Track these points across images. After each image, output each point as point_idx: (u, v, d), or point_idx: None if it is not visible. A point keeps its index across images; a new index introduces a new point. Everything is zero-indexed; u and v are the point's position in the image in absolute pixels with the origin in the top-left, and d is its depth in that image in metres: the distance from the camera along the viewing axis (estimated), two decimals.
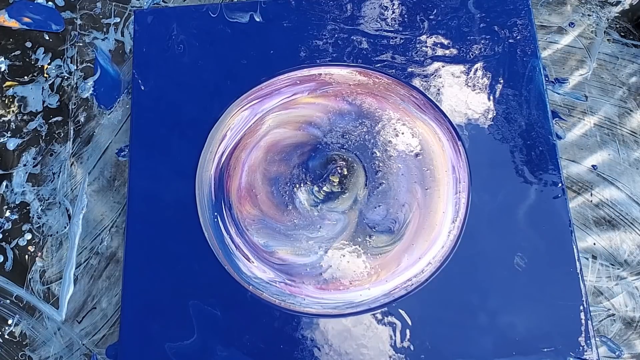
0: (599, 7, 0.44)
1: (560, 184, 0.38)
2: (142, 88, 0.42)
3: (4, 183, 0.43)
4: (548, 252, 0.37)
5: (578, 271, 0.36)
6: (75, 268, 0.41)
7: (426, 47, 0.42)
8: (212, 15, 0.44)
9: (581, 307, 0.36)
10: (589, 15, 0.44)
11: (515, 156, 0.39)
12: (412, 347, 0.36)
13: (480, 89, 0.41)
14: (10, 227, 0.42)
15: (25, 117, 0.45)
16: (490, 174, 0.39)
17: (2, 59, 0.46)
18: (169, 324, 0.37)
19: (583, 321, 0.35)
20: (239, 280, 0.38)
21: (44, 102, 0.45)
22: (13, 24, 0.47)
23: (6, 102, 0.45)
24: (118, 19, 0.46)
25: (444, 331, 0.36)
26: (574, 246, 0.37)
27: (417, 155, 0.40)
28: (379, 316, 0.37)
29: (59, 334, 0.40)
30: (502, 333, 0.35)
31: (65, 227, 0.42)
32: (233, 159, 0.40)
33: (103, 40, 0.46)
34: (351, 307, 0.37)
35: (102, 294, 0.40)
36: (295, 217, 0.39)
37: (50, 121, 0.44)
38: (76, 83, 0.45)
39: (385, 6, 0.43)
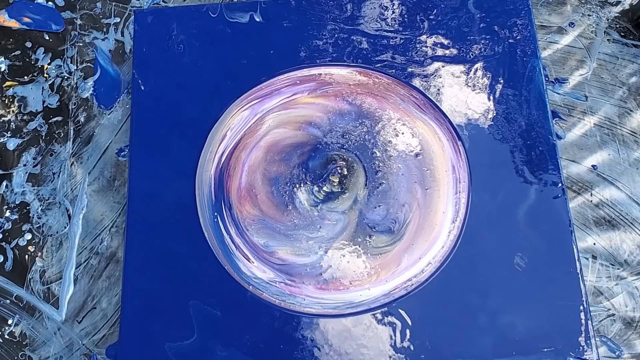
0: (599, 7, 0.44)
1: (560, 184, 0.38)
2: (142, 88, 0.42)
3: (4, 183, 0.43)
4: (548, 252, 0.37)
5: (578, 271, 0.36)
6: (75, 268, 0.41)
7: (426, 47, 0.42)
8: (212, 15, 0.44)
9: (581, 307, 0.36)
10: (589, 15, 0.44)
11: (515, 156, 0.39)
12: (412, 347, 0.36)
13: (480, 89, 0.41)
14: (10, 227, 0.42)
15: (25, 117, 0.45)
16: (490, 174, 0.39)
17: (2, 59, 0.46)
18: (169, 324, 0.37)
19: (583, 321, 0.35)
20: (239, 280, 0.38)
21: (44, 102, 0.45)
22: (13, 24, 0.47)
23: (6, 102, 0.45)
24: (118, 19, 0.46)
25: (444, 331, 0.36)
26: (574, 246, 0.37)
27: (417, 155, 0.40)
28: (379, 316, 0.37)
29: (59, 334, 0.40)
30: (502, 333, 0.35)
31: (65, 227, 0.42)
32: (233, 159, 0.40)
33: (103, 40, 0.46)
34: (351, 307, 0.37)
35: (102, 294, 0.40)
36: (295, 217, 0.39)
37: (50, 121, 0.44)
38: (76, 83, 0.45)
39: (385, 6, 0.43)
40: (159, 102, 0.42)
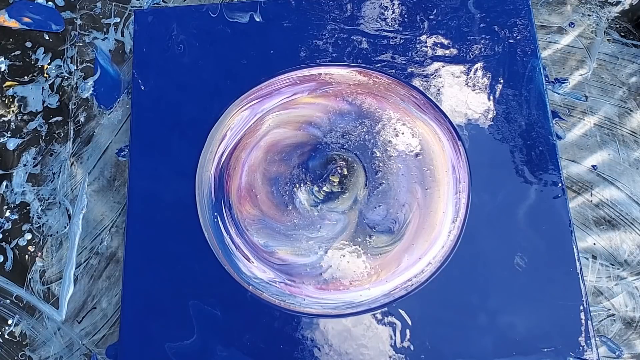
0: (599, 7, 0.44)
1: (560, 184, 0.38)
2: (142, 88, 0.42)
3: (4, 183, 0.43)
4: (548, 252, 0.37)
5: (578, 271, 0.36)
6: (75, 268, 0.41)
7: (426, 47, 0.42)
8: (212, 15, 0.44)
9: (581, 307, 0.36)
10: (589, 15, 0.44)
11: (515, 156, 0.39)
12: (412, 347, 0.36)
13: (480, 89, 0.41)
14: (10, 227, 0.42)
15: (25, 117, 0.45)
16: (490, 174, 0.39)
17: (2, 59, 0.46)
18: (169, 324, 0.37)
19: (583, 321, 0.35)
20: (239, 280, 0.38)
21: (44, 102, 0.45)
22: (13, 24, 0.47)
23: (6, 102, 0.45)
24: (118, 19, 0.46)
25: (444, 331, 0.36)
26: (574, 246, 0.37)
27: (417, 155, 0.40)
28: (379, 316, 0.37)
29: (59, 334, 0.40)
30: (502, 333, 0.35)
31: (65, 227, 0.42)
32: (233, 159, 0.40)
33: (103, 40, 0.46)
34: (351, 307, 0.37)
35: (102, 294, 0.40)
36: (295, 217, 0.39)
37: (50, 121, 0.44)
38: (76, 83, 0.45)
39: (385, 6, 0.43)
40: (159, 102, 0.42)
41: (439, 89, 0.41)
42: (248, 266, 0.38)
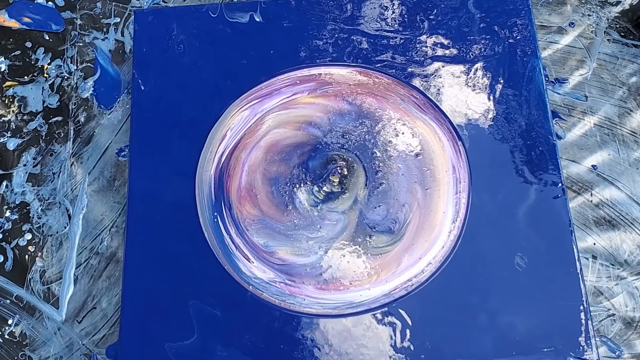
0: (599, 7, 0.44)
1: (560, 184, 0.38)
2: (142, 88, 0.42)
3: (4, 183, 0.43)
4: (548, 252, 0.37)
5: (578, 271, 0.36)
6: (75, 268, 0.41)
7: (426, 47, 0.42)
8: (212, 15, 0.44)
9: (581, 307, 0.36)
10: (589, 15, 0.44)
11: (515, 156, 0.39)
12: (412, 347, 0.36)
13: (480, 89, 0.41)
14: (10, 227, 0.42)
15: (25, 117, 0.45)
16: (490, 174, 0.39)
17: (2, 59, 0.46)
18: (169, 324, 0.37)
19: (583, 321, 0.35)
20: (239, 280, 0.38)
21: (44, 102, 0.45)
22: (13, 24, 0.47)
23: (6, 102, 0.45)
24: (118, 19, 0.46)
25: (444, 331, 0.36)
26: (574, 246, 0.37)
27: (417, 155, 0.40)
28: (379, 316, 0.37)
29: (59, 334, 0.40)
30: (502, 333, 0.35)
31: (65, 227, 0.42)
32: (233, 159, 0.40)
33: (103, 40, 0.46)
34: (351, 307, 0.37)
35: (102, 294, 0.40)
36: (295, 217, 0.39)
37: (50, 121, 0.44)
38: (76, 83, 0.45)
39: (385, 6, 0.43)
40: (159, 102, 0.42)
41: (439, 89, 0.41)
42: (248, 266, 0.38)
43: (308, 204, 0.39)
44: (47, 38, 0.46)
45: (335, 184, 0.39)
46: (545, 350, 0.35)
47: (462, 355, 0.35)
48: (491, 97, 0.40)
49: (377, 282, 0.37)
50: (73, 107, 0.45)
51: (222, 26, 0.43)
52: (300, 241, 0.38)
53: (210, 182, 0.40)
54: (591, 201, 0.40)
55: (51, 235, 0.42)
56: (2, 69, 0.46)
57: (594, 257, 0.39)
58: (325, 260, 0.38)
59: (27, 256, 0.41)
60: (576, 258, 0.36)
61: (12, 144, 0.44)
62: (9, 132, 0.44)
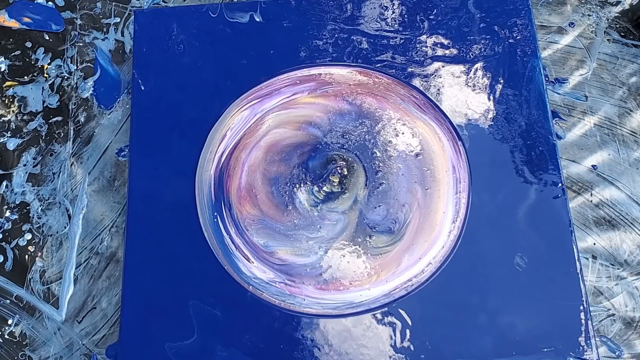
0: (599, 7, 0.44)
1: (560, 184, 0.38)
2: (142, 88, 0.42)
3: (4, 183, 0.43)
4: (548, 252, 0.37)
5: (578, 271, 0.36)
6: (75, 268, 0.41)
7: (426, 47, 0.42)
8: (212, 15, 0.44)
9: (581, 307, 0.36)
10: (589, 15, 0.44)
11: (515, 156, 0.39)
12: (412, 347, 0.36)
13: (480, 89, 0.41)
14: (10, 227, 0.42)
15: (25, 117, 0.45)
16: (490, 174, 0.39)
17: (2, 59, 0.46)
18: (169, 324, 0.37)
19: (583, 321, 0.35)
20: (239, 280, 0.38)
21: (44, 102, 0.45)
22: (13, 24, 0.47)
23: (6, 102, 0.45)
24: (118, 19, 0.46)
25: (444, 331, 0.36)
26: (574, 246, 0.37)
27: (417, 155, 0.40)
28: (379, 316, 0.36)
29: (59, 334, 0.40)
30: (502, 333, 0.35)
31: (65, 227, 0.42)
32: (233, 159, 0.40)
33: (103, 40, 0.46)
34: (351, 307, 0.37)
35: (102, 294, 0.40)
36: (295, 217, 0.39)
37: (50, 121, 0.44)
38: (76, 83, 0.45)
39: (385, 6, 0.43)
40: (159, 102, 0.42)
41: (439, 89, 0.41)
42: (248, 266, 0.38)
43: (308, 204, 0.39)
44: (47, 38, 0.46)
45: (335, 184, 0.39)
46: (545, 350, 0.35)
47: (462, 355, 0.35)
48: (491, 97, 0.40)
49: (377, 282, 0.37)
50: (73, 107, 0.45)
51: (222, 26, 0.43)
52: (300, 241, 0.38)
53: (210, 182, 0.40)
54: (591, 201, 0.40)
55: (51, 235, 0.42)
56: (2, 69, 0.46)
57: (594, 257, 0.39)
58: (325, 260, 0.38)
59: (27, 256, 0.41)
60: (576, 258, 0.36)
61: (12, 144, 0.44)
62: (9, 132, 0.44)
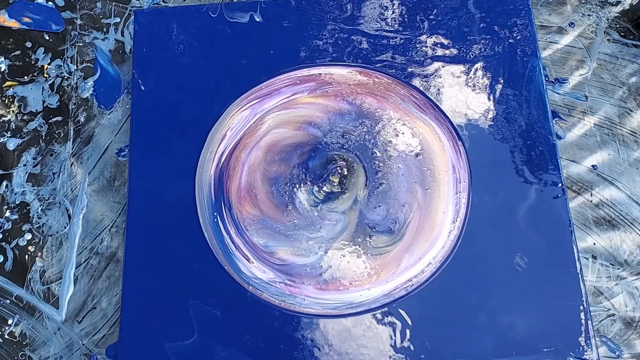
0: (599, 7, 0.44)
1: (560, 184, 0.38)
2: (142, 88, 0.42)
3: (4, 183, 0.43)
4: (548, 252, 0.37)
5: (578, 271, 0.36)
6: (75, 268, 0.41)
7: (426, 47, 0.42)
8: (212, 15, 0.44)
9: (581, 307, 0.36)
10: (589, 15, 0.44)
11: (515, 156, 0.39)
12: (412, 347, 0.36)
13: (480, 89, 0.41)
14: (10, 227, 0.42)
15: (25, 117, 0.45)
16: (490, 174, 0.39)
17: (2, 59, 0.46)
18: (169, 324, 0.37)
19: (583, 321, 0.35)
20: (239, 280, 0.38)
21: (44, 102, 0.45)
22: (13, 24, 0.47)
23: (6, 102, 0.45)
24: (118, 19, 0.46)
25: (444, 331, 0.36)
26: (574, 246, 0.37)
27: (417, 155, 0.40)
28: (379, 316, 0.36)
29: (59, 334, 0.40)
30: (502, 333, 0.35)
31: (65, 227, 0.42)
32: (233, 159, 0.40)
33: (103, 40, 0.46)
34: (351, 307, 0.37)
35: (102, 294, 0.40)
36: (295, 217, 0.39)
37: (50, 121, 0.44)
38: (76, 83, 0.45)
39: (385, 6, 0.43)
40: (159, 102, 0.42)
41: (439, 89, 0.41)
42: (248, 266, 0.38)
43: (308, 204, 0.39)
44: (47, 38, 0.46)
45: (335, 184, 0.39)
46: (545, 350, 0.35)
47: (462, 355, 0.35)
48: (491, 97, 0.40)
49: (377, 282, 0.37)
50: (73, 107, 0.45)
51: (222, 26, 0.43)
52: (300, 241, 0.38)
53: (210, 182, 0.40)
54: (591, 201, 0.40)
55: (51, 235, 0.42)
56: (2, 69, 0.46)
57: (594, 257, 0.39)
58: (325, 260, 0.38)
59: (27, 256, 0.41)
60: (576, 258, 0.36)
61: (12, 144, 0.44)
62: (9, 132, 0.44)
